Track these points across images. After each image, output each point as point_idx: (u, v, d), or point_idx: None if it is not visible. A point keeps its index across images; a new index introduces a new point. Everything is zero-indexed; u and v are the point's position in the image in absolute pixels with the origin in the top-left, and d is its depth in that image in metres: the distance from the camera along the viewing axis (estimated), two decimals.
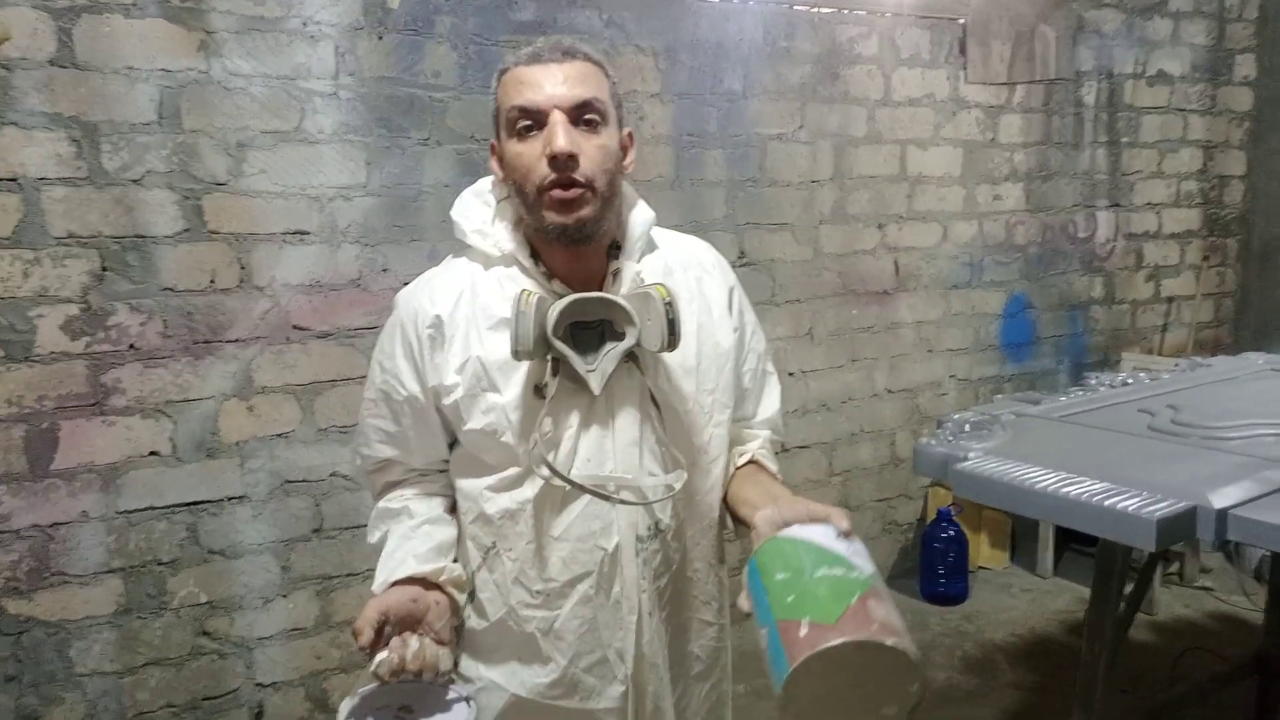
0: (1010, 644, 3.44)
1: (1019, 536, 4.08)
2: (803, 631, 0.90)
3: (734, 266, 1.51)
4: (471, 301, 1.30)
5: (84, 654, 2.48)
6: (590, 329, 1.24)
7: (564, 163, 1.20)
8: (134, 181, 2.42)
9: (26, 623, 2.41)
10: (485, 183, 1.37)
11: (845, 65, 3.55)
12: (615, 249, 1.33)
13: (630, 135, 1.33)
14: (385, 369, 1.36)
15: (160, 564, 2.55)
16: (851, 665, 0.90)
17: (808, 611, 0.92)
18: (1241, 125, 4.73)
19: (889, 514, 3.95)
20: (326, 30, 2.61)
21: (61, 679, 2.46)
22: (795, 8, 3.42)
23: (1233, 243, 4.81)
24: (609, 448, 1.28)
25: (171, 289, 2.50)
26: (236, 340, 2.59)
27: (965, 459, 1.96)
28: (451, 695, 1.22)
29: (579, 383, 1.24)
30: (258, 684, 2.71)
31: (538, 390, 1.26)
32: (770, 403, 1.50)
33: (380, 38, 2.69)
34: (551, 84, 1.22)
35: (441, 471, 1.40)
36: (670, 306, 1.20)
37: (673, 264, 1.38)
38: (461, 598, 1.34)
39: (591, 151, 1.23)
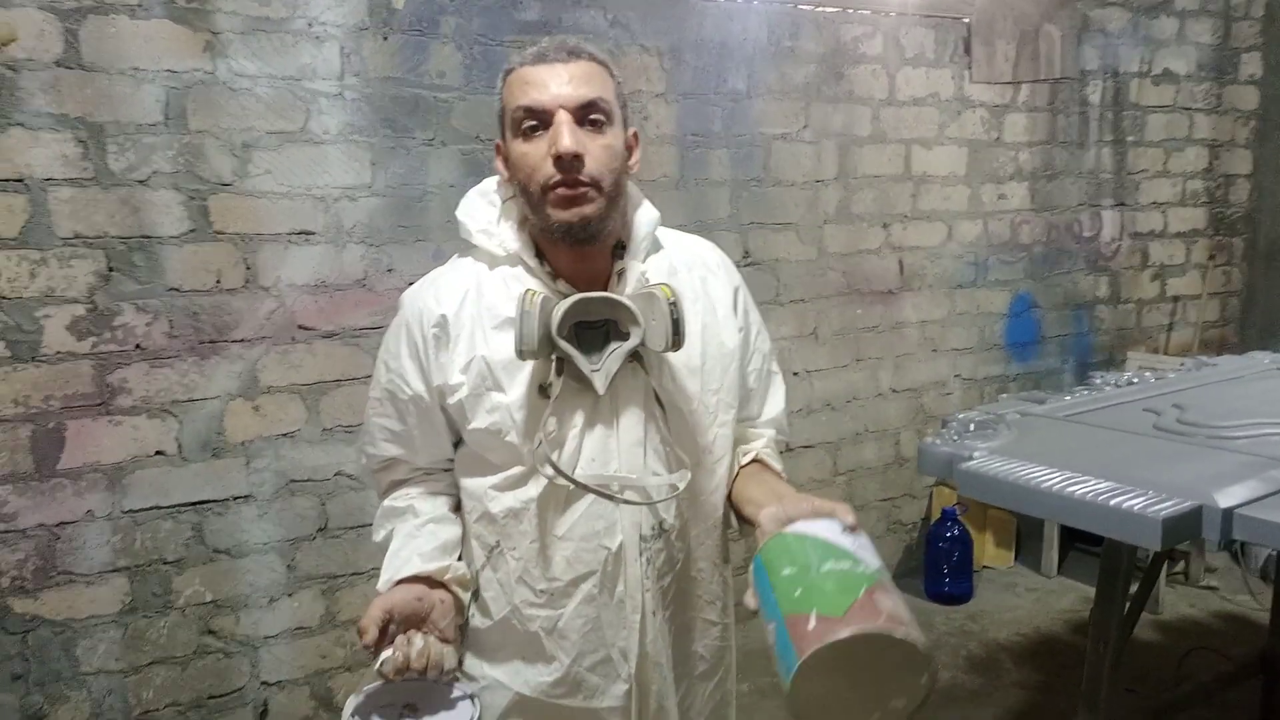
0: (1015, 643, 3.44)
1: (1024, 536, 4.08)
2: (811, 625, 0.90)
3: (738, 266, 1.51)
4: (477, 301, 1.30)
5: (89, 653, 2.48)
6: (595, 329, 1.24)
7: (569, 163, 1.20)
8: (140, 182, 2.43)
9: (32, 621, 2.41)
10: (491, 182, 1.37)
11: (850, 65, 3.55)
12: (620, 249, 1.33)
13: (635, 135, 1.33)
14: (390, 368, 1.36)
15: (165, 563, 2.56)
16: (860, 658, 0.89)
17: (815, 605, 0.92)
18: (1247, 124, 4.72)
19: (893, 513, 3.95)
20: (332, 31, 2.62)
21: (67, 678, 2.46)
22: (800, 7, 3.41)
23: (1238, 241, 4.80)
24: (613, 447, 1.28)
25: (177, 289, 2.50)
26: (242, 340, 2.59)
27: (970, 458, 1.96)
28: (456, 693, 1.23)
29: (583, 382, 1.24)
30: (263, 683, 2.72)
31: (542, 390, 1.26)
32: (775, 403, 1.50)
33: (385, 38, 2.69)
34: (557, 84, 1.22)
35: (446, 470, 1.40)
36: (675, 306, 1.20)
37: (678, 264, 1.38)
38: (466, 596, 1.34)
39: (597, 151, 1.23)
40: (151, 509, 2.52)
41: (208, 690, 2.64)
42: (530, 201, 1.25)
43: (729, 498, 1.39)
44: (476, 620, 1.37)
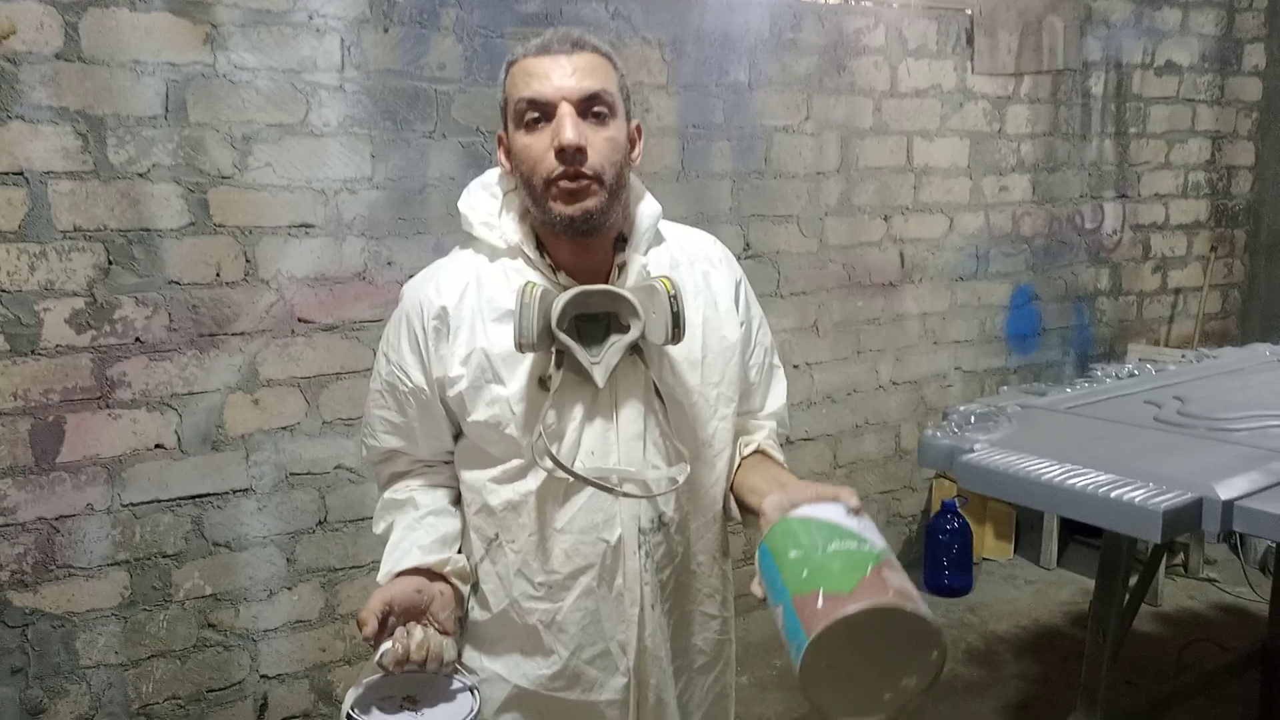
0: (1015, 636, 3.44)
1: (1023, 528, 4.08)
2: (819, 603, 0.90)
3: (739, 258, 1.50)
4: (477, 293, 1.30)
5: (89, 646, 2.49)
6: (595, 321, 1.24)
7: (572, 155, 1.20)
8: (140, 175, 2.43)
9: (32, 615, 2.42)
10: (493, 174, 1.37)
11: (852, 56, 3.54)
12: (622, 242, 1.32)
13: (638, 128, 1.32)
14: (391, 360, 1.36)
15: (165, 556, 2.56)
16: (870, 635, 0.89)
17: (822, 584, 0.91)
18: (1250, 116, 4.71)
19: (893, 506, 3.95)
20: (332, 23, 2.61)
21: (67, 671, 2.47)
22: None
23: (1240, 234, 4.79)
24: (613, 440, 1.28)
25: (177, 282, 2.50)
26: (242, 333, 2.59)
27: (971, 451, 1.96)
28: (456, 685, 1.23)
29: (583, 375, 1.23)
30: (262, 676, 2.72)
31: (542, 382, 1.25)
32: (776, 396, 1.50)
33: (385, 30, 2.69)
34: (560, 76, 1.21)
35: (447, 463, 1.40)
36: (675, 299, 1.20)
37: (679, 257, 1.38)
38: (465, 589, 1.34)
39: (599, 144, 1.22)
40: (151, 502, 2.52)
41: (207, 683, 2.65)
42: (532, 194, 1.25)
43: (731, 490, 1.39)
44: (475, 613, 1.37)
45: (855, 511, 1.04)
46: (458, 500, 1.39)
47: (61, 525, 2.43)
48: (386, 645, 1.19)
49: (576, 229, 1.24)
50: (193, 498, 2.58)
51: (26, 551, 2.40)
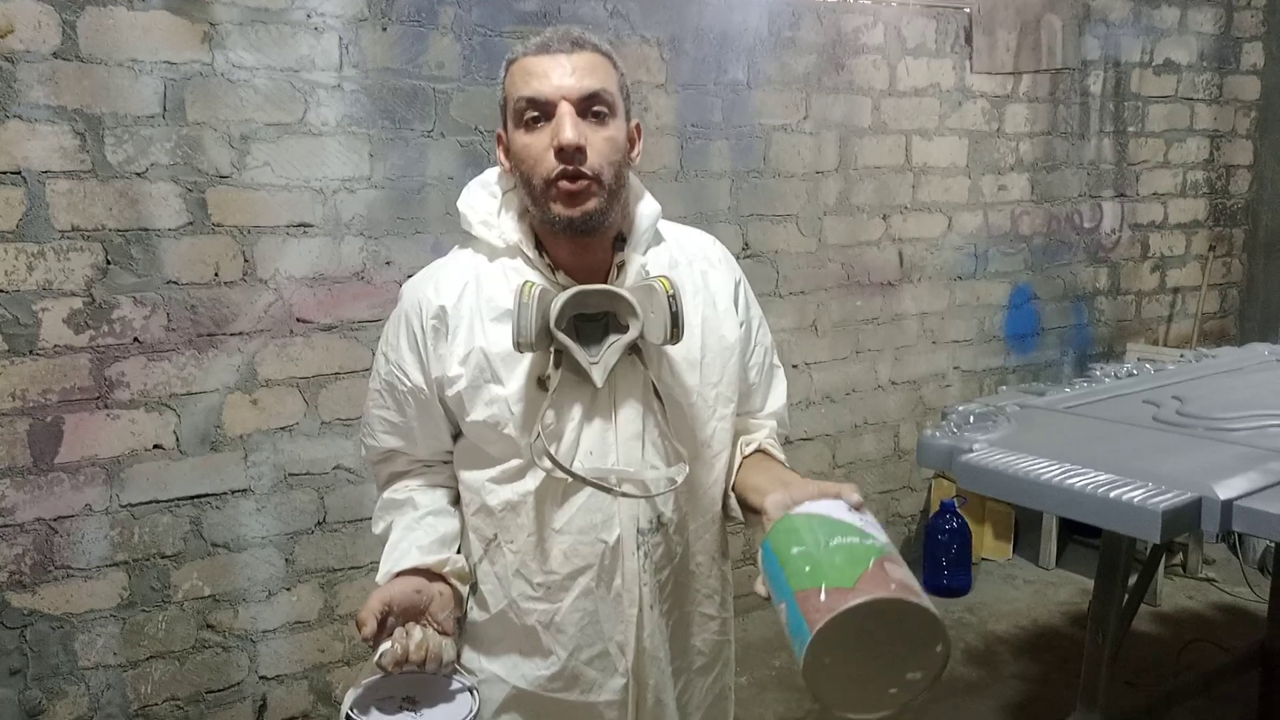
0: (1013, 636, 3.44)
1: (1022, 528, 4.08)
2: (821, 598, 0.89)
3: (738, 258, 1.50)
4: (476, 293, 1.30)
5: (88, 647, 2.48)
6: (594, 321, 1.24)
7: (571, 155, 1.19)
8: (138, 174, 2.42)
9: (30, 616, 2.41)
10: (492, 173, 1.36)
11: (850, 55, 3.54)
12: (621, 241, 1.32)
13: (638, 127, 1.32)
14: (390, 360, 1.35)
15: (164, 557, 2.55)
16: (873, 630, 0.89)
17: (824, 579, 0.91)
18: (1249, 115, 4.71)
19: (892, 506, 3.95)
20: (330, 22, 2.61)
21: (65, 672, 2.46)
22: None
23: (1239, 233, 4.79)
24: (611, 440, 1.28)
25: (175, 282, 2.50)
26: (240, 333, 2.59)
27: (970, 451, 1.96)
28: (455, 686, 1.23)
29: (582, 375, 1.23)
30: (261, 677, 2.72)
31: (540, 382, 1.25)
32: (777, 396, 1.50)
33: (384, 29, 2.68)
34: (560, 75, 1.21)
35: (446, 463, 1.40)
36: (674, 299, 1.20)
37: (678, 257, 1.38)
38: (465, 589, 1.34)
39: (599, 144, 1.22)
40: (149, 503, 2.52)
41: (206, 685, 2.64)
42: (531, 194, 1.24)
43: (733, 490, 1.38)
44: (474, 614, 1.36)
45: (857, 507, 1.04)
46: (457, 500, 1.39)
47: (60, 526, 2.42)
48: (385, 646, 1.19)
49: (576, 230, 1.23)
50: (191, 498, 2.57)
51: (25, 552, 2.39)
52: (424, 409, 1.34)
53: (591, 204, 1.22)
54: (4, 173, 2.28)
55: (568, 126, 1.19)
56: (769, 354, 1.48)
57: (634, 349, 1.25)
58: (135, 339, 2.46)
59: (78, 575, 2.46)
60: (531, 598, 1.31)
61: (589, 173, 1.21)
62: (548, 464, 1.23)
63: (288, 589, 2.72)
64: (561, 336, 1.20)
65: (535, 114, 1.22)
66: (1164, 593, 3.65)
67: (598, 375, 1.22)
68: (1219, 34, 4.53)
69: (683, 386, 1.32)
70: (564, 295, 1.21)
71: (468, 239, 1.35)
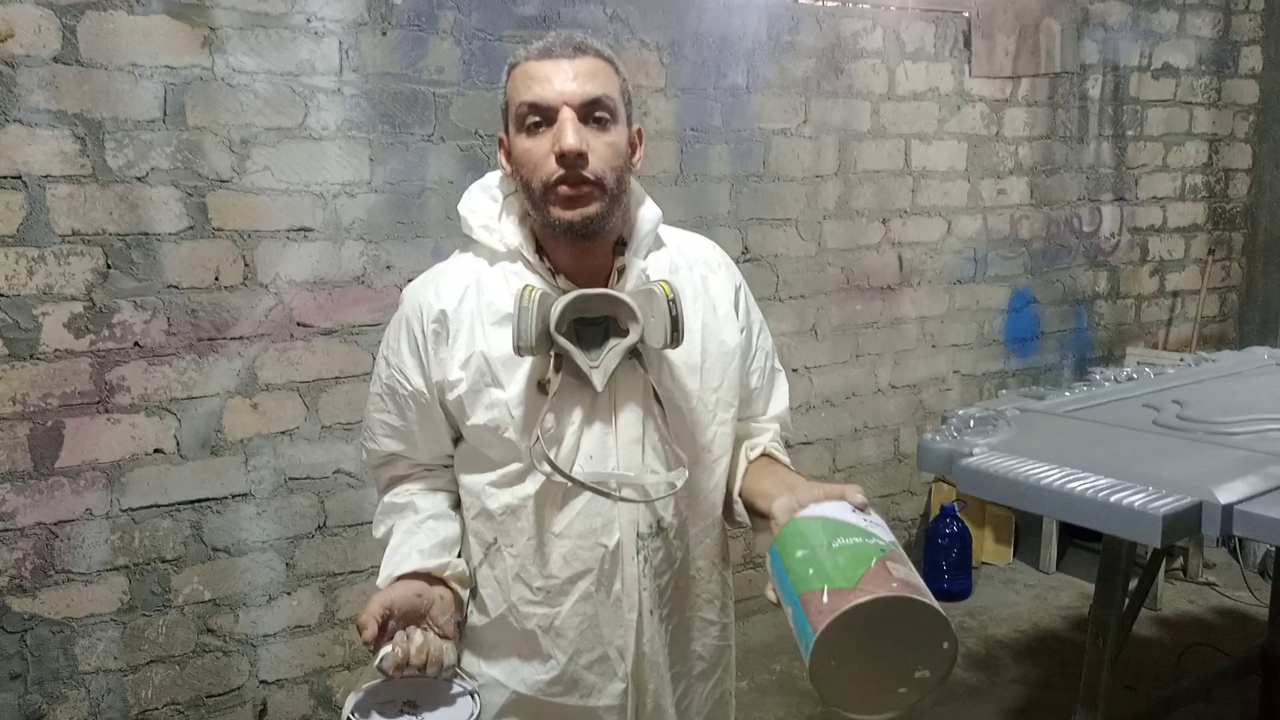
0: (1014, 640, 3.44)
1: (1022, 532, 4.08)
2: (824, 599, 0.90)
3: (738, 262, 1.50)
4: (477, 297, 1.30)
5: (88, 652, 2.48)
6: (594, 325, 1.24)
7: (573, 160, 1.19)
8: (138, 179, 2.43)
9: (31, 620, 2.41)
10: (493, 177, 1.37)
11: (849, 59, 3.54)
12: (621, 245, 1.32)
13: (639, 132, 1.32)
14: (390, 364, 1.35)
15: (164, 561, 2.55)
16: (878, 629, 0.88)
17: (828, 580, 0.92)
18: (1247, 118, 4.72)
19: (892, 510, 3.95)
20: (330, 26, 2.61)
21: (66, 677, 2.46)
22: (799, 1, 3.41)
23: (1238, 237, 4.80)
24: (611, 445, 1.28)
25: (176, 286, 2.50)
26: (240, 337, 2.59)
27: (970, 455, 1.96)
28: (456, 689, 1.23)
29: (582, 379, 1.23)
30: (262, 681, 2.72)
31: (541, 386, 1.25)
32: (779, 400, 1.50)
33: (384, 33, 2.69)
34: (562, 80, 1.21)
35: (447, 467, 1.40)
36: (674, 303, 1.20)
37: (678, 262, 1.38)
38: (465, 593, 1.34)
39: (600, 149, 1.22)
40: (150, 507, 2.52)
41: (206, 689, 2.64)
42: (532, 198, 1.24)
43: (740, 495, 1.38)
44: (474, 618, 1.36)
45: (862, 507, 1.04)
46: (458, 504, 1.39)
47: (60, 530, 2.42)
48: (386, 649, 1.19)
49: (576, 234, 1.24)
50: (192, 502, 2.57)
51: (25, 557, 2.39)
52: (425, 413, 1.34)
53: (592, 208, 1.22)
54: (4, 177, 2.28)
55: (569, 132, 1.19)
56: (770, 358, 1.48)
57: (634, 353, 1.25)
58: (136, 343, 2.46)
59: (78, 579, 2.45)
60: (531, 602, 1.31)
61: (590, 178, 1.21)
62: (547, 468, 1.23)
63: (288, 593, 2.72)
64: (562, 340, 1.20)
65: (537, 119, 1.22)
66: (1164, 597, 3.65)
67: (598, 379, 1.22)
68: (1217, 38, 4.54)
69: (683, 391, 1.32)
70: (564, 299, 1.21)
71: (468, 243, 1.35)
